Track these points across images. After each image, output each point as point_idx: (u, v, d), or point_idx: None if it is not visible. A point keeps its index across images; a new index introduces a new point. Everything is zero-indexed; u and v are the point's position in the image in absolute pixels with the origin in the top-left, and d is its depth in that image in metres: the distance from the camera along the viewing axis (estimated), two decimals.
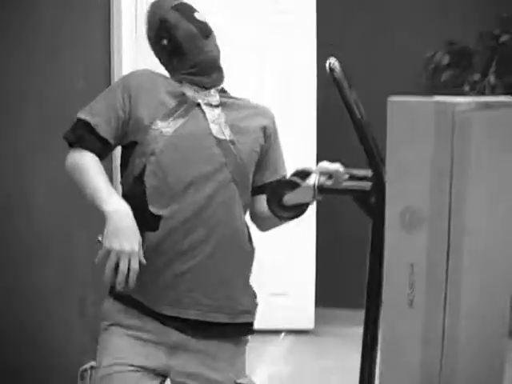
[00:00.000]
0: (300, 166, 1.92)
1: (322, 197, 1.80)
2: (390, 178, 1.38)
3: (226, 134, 2.04)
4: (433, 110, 1.32)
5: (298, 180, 1.78)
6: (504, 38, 4.10)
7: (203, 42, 2.09)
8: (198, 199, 1.95)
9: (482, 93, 4.17)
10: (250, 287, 2.12)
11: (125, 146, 2.06)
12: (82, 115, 2.02)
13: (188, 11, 2.12)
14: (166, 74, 2.16)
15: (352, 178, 1.88)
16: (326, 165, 1.85)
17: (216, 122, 2.04)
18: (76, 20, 2.97)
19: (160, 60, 2.19)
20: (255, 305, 2.13)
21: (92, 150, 1.98)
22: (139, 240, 1.84)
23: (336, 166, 1.83)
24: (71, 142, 2.00)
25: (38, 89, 2.70)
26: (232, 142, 2.04)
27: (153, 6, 2.16)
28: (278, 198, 1.76)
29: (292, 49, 4.19)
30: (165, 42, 2.09)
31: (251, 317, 2.12)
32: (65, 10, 2.86)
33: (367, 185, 1.67)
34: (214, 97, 2.08)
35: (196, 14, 2.12)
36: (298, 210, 1.85)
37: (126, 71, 3.15)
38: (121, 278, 1.80)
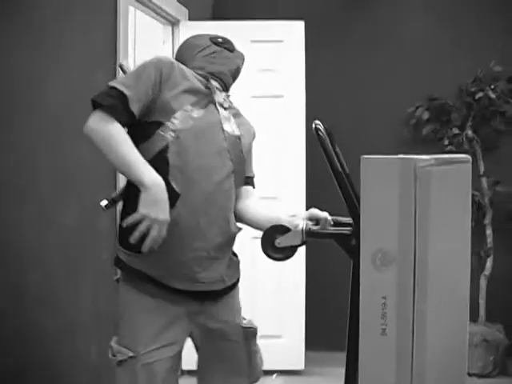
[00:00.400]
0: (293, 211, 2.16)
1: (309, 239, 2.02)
2: (363, 224, 1.61)
3: (235, 130, 2.23)
4: (398, 166, 1.56)
5: (288, 225, 1.99)
6: (479, 95, 4.30)
7: (242, 64, 2.38)
8: (210, 185, 2.09)
9: (460, 145, 4.35)
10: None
11: (145, 123, 2.09)
12: (117, 85, 2.03)
13: (213, 37, 2.34)
14: None
15: (336, 224, 2.11)
16: (316, 212, 2.09)
17: (226, 119, 2.22)
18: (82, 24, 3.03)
19: (192, 49, 2.32)
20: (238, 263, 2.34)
21: (119, 121, 2.00)
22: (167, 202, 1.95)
23: (325, 214, 2.07)
24: (103, 106, 1.99)
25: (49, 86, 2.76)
26: (238, 137, 2.23)
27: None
28: (270, 241, 1.97)
29: (285, 115, 4.38)
30: (220, 40, 2.33)
31: (239, 273, 2.34)
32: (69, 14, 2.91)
33: (348, 230, 1.89)
34: (226, 101, 2.27)
35: (219, 39, 2.35)
36: (289, 251, 2.03)
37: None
38: (150, 242, 1.93)
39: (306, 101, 4.38)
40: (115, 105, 1.99)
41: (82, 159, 2.99)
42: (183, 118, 2.09)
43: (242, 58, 2.42)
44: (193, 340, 2.28)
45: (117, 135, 1.98)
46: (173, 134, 2.07)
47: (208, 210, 2.09)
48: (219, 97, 2.25)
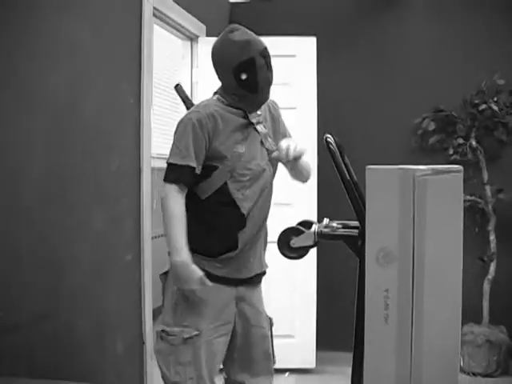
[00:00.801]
0: (304, 218, 2.39)
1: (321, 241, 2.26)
2: (368, 226, 1.84)
3: (273, 146, 2.58)
4: (399, 175, 1.79)
5: (302, 228, 2.23)
6: (482, 107, 4.46)
7: (269, 88, 2.58)
8: (263, 200, 2.56)
9: (464, 155, 4.51)
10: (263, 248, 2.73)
11: (203, 167, 2.47)
12: (173, 161, 2.45)
13: (269, 60, 2.57)
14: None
15: (345, 227, 2.33)
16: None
17: (265, 135, 2.58)
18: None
19: (223, 83, 2.55)
20: None
21: (188, 183, 2.45)
22: (197, 278, 2.39)
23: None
24: (172, 181, 2.44)
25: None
26: (273, 150, 2.57)
27: (245, 42, 2.48)
28: (286, 242, 2.21)
29: (298, 126, 4.56)
30: (244, 76, 2.46)
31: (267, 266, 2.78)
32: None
33: (355, 232, 2.12)
34: (259, 116, 2.59)
35: (270, 64, 2.58)
36: (302, 251, 2.29)
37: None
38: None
39: (317, 112, 4.55)
40: (185, 176, 2.44)
41: (109, 169, 3.21)
42: (233, 157, 2.47)
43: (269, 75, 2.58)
44: (234, 327, 2.59)
45: (176, 217, 2.42)
46: (228, 174, 2.47)
47: (264, 217, 2.61)
48: (255, 118, 2.56)
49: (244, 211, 2.49)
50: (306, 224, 2.29)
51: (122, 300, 3.38)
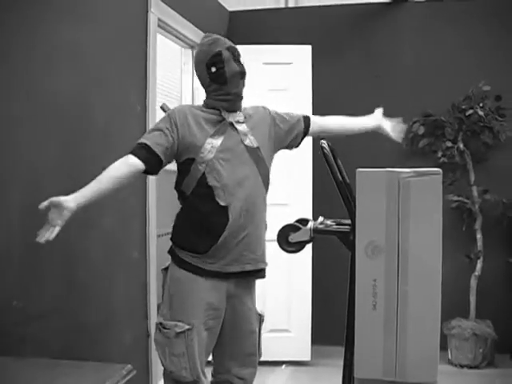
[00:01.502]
0: (300, 216, 2.61)
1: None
2: (358, 222, 2.06)
3: (253, 143, 2.71)
4: (386, 177, 2.02)
5: (299, 225, 2.44)
6: (469, 112, 4.65)
7: (240, 80, 2.71)
8: (245, 191, 2.63)
9: (452, 157, 4.72)
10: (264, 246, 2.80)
11: (182, 163, 2.66)
12: (140, 140, 2.62)
13: (237, 55, 2.72)
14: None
15: (338, 224, 2.55)
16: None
17: (245, 133, 2.70)
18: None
19: (201, 82, 2.76)
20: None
21: (138, 157, 2.55)
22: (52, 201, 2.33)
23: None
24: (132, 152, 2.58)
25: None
26: (258, 148, 2.71)
27: (212, 40, 2.73)
28: (285, 237, 2.43)
29: None
30: (213, 69, 2.67)
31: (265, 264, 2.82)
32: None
33: (347, 228, 2.33)
34: (240, 116, 2.74)
35: (240, 59, 2.72)
36: (300, 245, 2.49)
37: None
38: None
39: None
40: (136, 151, 2.57)
41: None
42: (207, 150, 2.62)
43: (234, 56, 2.70)
44: (223, 320, 2.75)
45: (101, 175, 2.49)
46: (204, 165, 2.61)
47: (247, 208, 2.62)
48: (234, 117, 2.72)
49: (223, 202, 2.60)
50: (303, 221, 2.51)
51: (129, 294, 3.56)
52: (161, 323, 2.67)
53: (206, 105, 2.76)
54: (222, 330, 2.78)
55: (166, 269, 2.78)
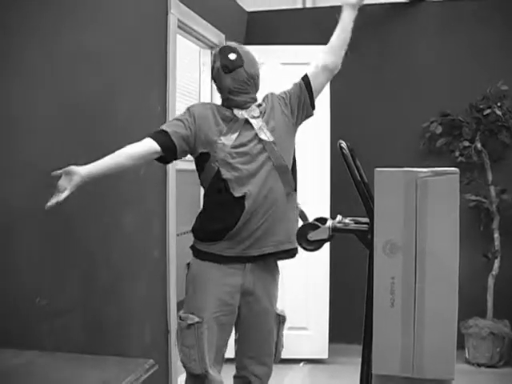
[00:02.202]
0: (318, 215, 2.64)
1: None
2: (376, 221, 2.09)
3: (269, 137, 2.76)
4: (403, 176, 2.05)
5: (318, 223, 2.48)
6: (487, 111, 4.67)
7: (224, 75, 2.77)
8: (259, 182, 2.70)
9: (470, 157, 4.74)
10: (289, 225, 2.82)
11: (198, 157, 2.76)
12: (160, 127, 2.75)
13: (225, 52, 2.79)
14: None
15: (356, 222, 2.58)
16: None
17: (261, 128, 2.76)
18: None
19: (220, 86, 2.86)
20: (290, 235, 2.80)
21: (155, 140, 2.67)
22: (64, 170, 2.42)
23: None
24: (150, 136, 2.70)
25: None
26: (274, 142, 2.77)
27: (214, 53, 2.87)
28: (304, 235, 2.46)
29: (312, 130, 4.77)
30: (214, 84, 2.86)
31: (293, 244, 2.81)
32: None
33: (365, 227, 2.36)
34: (255, 111, 2.80)
35: (230, 55, 2.77)
36: (318, 244, 2.52)
37: None
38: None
39: (330, 117, 4.78)
40: (159, 137, 2.70)
41: (138, 174, 3.42)
42: (219, 148, 2.71)
43: (244, 69, 2.79)
44: (239, 318, 2.79)
45: (116, 152, 2.60)
46: (217, 163, 2.70)
47: (266, 194, 2.72)
48: (249, 113, 2.78)
49: (237, 193, 2.68)
50: (322, 220, 2.55)
51: (149, 292, 3.62)
52: (180, 315, 2.78)
53: (222, 103, 2.86)
54: (239, 328, 2.85)
55: (188, 265, 2.87)
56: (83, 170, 2.43)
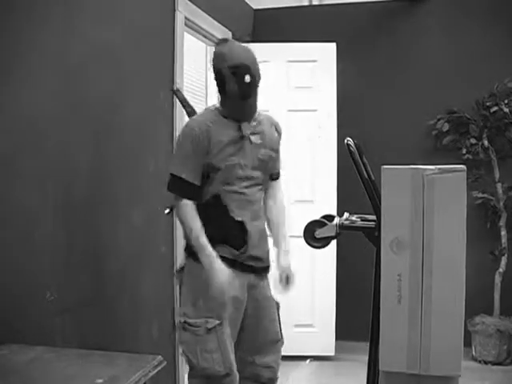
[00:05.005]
0: (325, 212, 2.66)
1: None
2: (383, 218, 2.10)
3: (265, 154, 2.71)
4: (410, 174, 2.05)
5: (325, 221, 2.49)
6: (494, 108, 4.66)
7: (241, 102, 2.63)
8: (253, 203, 2.70)
9: (477, 154, 4.73)
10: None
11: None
12: (174, 172, 2.67)
13: (241, 73, 2.59)
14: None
15: (363, 220, 2.60)
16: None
17: (258, 145, 2.69)
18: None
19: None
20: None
21: (190, 198, 2.65)
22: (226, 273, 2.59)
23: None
24: (178, 195, 2.67)
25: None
26: (270, 158, 2.74)
27: (220, 55, 2.66)
28: (311, 233, 2.47)
29: (318, 127, 4.77)
30: (217, 85, 2.67)
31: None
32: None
33: (372, 224, 2.38)
34: (253, 127, 2.71)
35: (246, 77, 2.59)
36: (325, 241, 2.54)
37: None
38: None
39: (337, 114, 4.79)
40: (181, 189, 2.66)
41: (147, 171, 3.47)
42: (227, 168, 2.63)
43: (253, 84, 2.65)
44: (245, 311, 2.79)
45: (195, 228, 2.63)
46: (222, 184, 2.65)
47: (253, 216, 2.70)
48: (249, 128, 2.69)
49: (238, 218, 2.66)
50: (329, 217, 2.56)
51: (157, 288, 3.63)
52: (185, 322, 2.66)
53: (223, 112, 2.72)
54: (244, 323, 2.80)
55: (182, 269, 2.79)
56: (226, 268, 2.61)
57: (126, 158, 3.26)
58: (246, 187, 2.69)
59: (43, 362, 2.10)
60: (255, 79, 2.63)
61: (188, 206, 2.66)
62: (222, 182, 2.66)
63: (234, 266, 2.68)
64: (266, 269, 2.83)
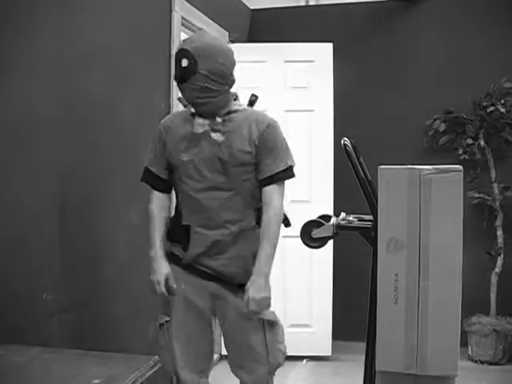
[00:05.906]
0: (322, 212, 2.65)
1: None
2: (380, 218, 2.10)
3: (227, 155, 2.50)
4: (407, 174, 2.06)
5: (322, 221, 2.49)
6: (490, 108, 4.64)
7: (180, 87, 2.54)
8: (207, 213, 2.56)
9: (473, 154, 4.73)
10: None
11: (170, 171, 2.65)
12: (146, 164, 2.70)
13: (179, 57, 2.48)
14: None
15: (360, 220, 2.60)
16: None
17: (220, 144, 2.50)
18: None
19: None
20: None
21: (160, 190, 2.68)
22: (161, 273, 2.60)
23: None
24: (150, 187, 2.70)
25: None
26: (236, 160, 2.50)
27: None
28: (308, 232, 2.47)
29: (315, 127, 4.79)
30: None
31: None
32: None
33: (369, 224, 2.38)
34: (219, 123, 2.52)
35: (183, 61, 2.45)
36: (322, 241, 2.53)
37: None
38: None
39: (334, 114, 4.78)
40: (148, 179, 2.70)
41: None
42: (179, 165, 2.59)
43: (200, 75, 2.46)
44: (221, 326, 2.71)
45: (152, 216, 2.67)
46: (178, 181, 2.63)
47: (205, 224, 2.58)
48: (211, 124, 2.53)
49: (185, 222, 2.60)
50: (326, 217, 2.56)
51: None
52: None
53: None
54: (224, 339, 2.72)
55: None
56: (163, 268, 2.62)
57: (124, 158, 3.26)
58: (201, 190, 2.54)
59: (40, 362, 2.10)
60: (195, 65, 2.43)
61: (157, 198, 2.70)
62: (178, 180, 2.64)
63: (187, 267, 2.62)
64: (233, 283, 2.59)
